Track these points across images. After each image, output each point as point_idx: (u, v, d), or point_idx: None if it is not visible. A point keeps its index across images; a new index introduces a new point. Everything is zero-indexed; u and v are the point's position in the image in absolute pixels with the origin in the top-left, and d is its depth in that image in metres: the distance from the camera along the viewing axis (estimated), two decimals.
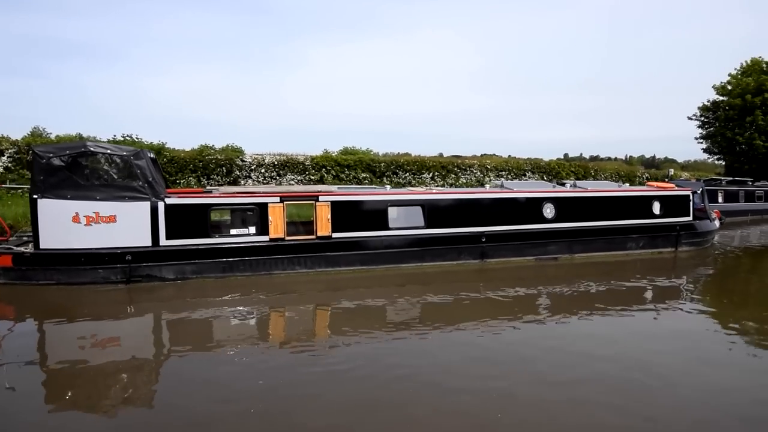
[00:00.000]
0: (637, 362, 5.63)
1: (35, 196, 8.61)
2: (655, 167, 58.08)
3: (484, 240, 11.27)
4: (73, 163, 8.92)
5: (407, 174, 24.03)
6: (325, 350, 5.99)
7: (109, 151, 9.13)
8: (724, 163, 41.22)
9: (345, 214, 10.28)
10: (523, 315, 7.54)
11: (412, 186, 22.33)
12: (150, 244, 9.11)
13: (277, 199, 9.90)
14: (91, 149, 8.95)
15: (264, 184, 20.93)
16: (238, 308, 7.83)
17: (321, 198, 10.19)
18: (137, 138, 20.59)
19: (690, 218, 13.66)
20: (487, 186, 13.35)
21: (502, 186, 12.77)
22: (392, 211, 10.69)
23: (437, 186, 22.83)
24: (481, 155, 35.20)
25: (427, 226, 10.86)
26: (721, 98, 38.62)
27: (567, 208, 12.13)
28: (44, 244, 8.71)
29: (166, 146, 20.05)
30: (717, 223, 14.83)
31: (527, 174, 26.89)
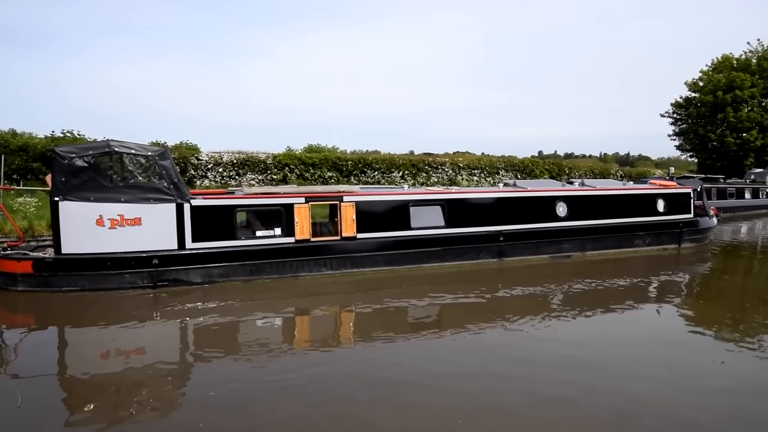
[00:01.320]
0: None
1: (56, 199, 8.67)
2: (629, 165, 60.37)
3: (502, 239, 11.88)
4: (96, 164, 9.03)
5: (376, 173, 24.18)
6: (358, 358, 6.09)
7: (133, 150, 9.21)
8: (696, 161, 43.17)
9: (369, 214, 10.71)
10: (556, 317, 7.81)
11: (380, 185, 22.50)
12: (176, 247, 9.29)
13: (303, 200, 10.23)
14: (115, 149, 9.03)
15: (222, 184, 20.68)
16: (268, 313, 8.07)
17: (345, 198, 10.57)
18: (79, 134, 20.07)
19: (691, 215, 14.66)
20: (500, 185, 13.98)
21: (514, 185, 13.50)
22: (414, 211, 11.14)
23: (408, 185, 23.07)
24: (454, 153, 35.77)
25: (448, 225, 11.40)
26: (693, 95, 40.46)
27: (578, 206, 12.89)
28: (66, 248, 8.77)
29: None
30: (715, 220, 15.80)
31: (500, 172, 27.42)
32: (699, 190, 15.87)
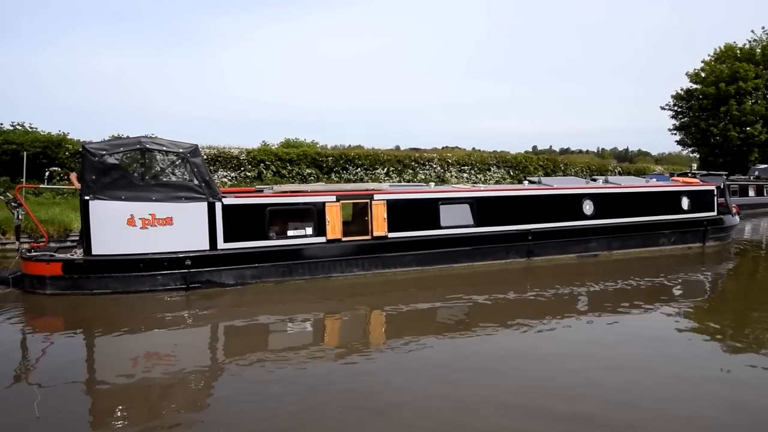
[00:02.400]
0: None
1: (86, 198, 8.84)
2: (628, 161, 60.81)
3: (530, 238, 12.27)
4: (127, 161, 9.21)
5: (359, 169, 23.88)
6: (394, 365, 6.19)
7: (165, 147, 9.39)
8: (698, 156, 43.39)
9: (400, 213, 11.04)
10: (593, 322, 7.96)
11: (364, 182, 22.21)
12: (208, 247, 9.51)
13: (334, 198, 10.49)
14: (147, 146, 9.20)
15: None
16: (304, 316, 8.29)
17: (376, 197, 10.87)
18: (31, 127, 19.55)
19: (715, 213, 15.18)
20: (525, 182, 14.31)
21: (539, 182, 13.91)
22: (443, 210, 11.47)
23: (391, 182, 22.79)
24: (443, 148, 35.61)
25: (477, 224, 11.77)
26: (695, 86, 40.66)
27: (604, 204, 13.32)
28: (97, 249, 8.93)
29: (69, 137, 19.00)
30: (737, 218, 16.35)
31: (492, 169, 27.29)
32: (722, 187, 16.23)
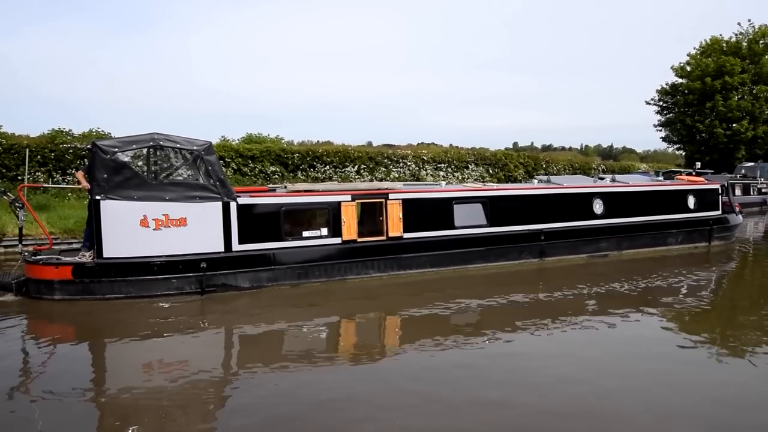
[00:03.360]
0: None
1: (98, 197, 8.84)
2: (612, 158, 61.62)
3: (542, 238, 12.59)
4: (140, 159, 9.31)
5: (327, 167, 23.49)
6: (414, 374, 6.27)
7: (178, 144, 9.44)
8: (684, 154, 44.09)
9: (415, 212, 11.25)
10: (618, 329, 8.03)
11: (332, 181, 21.89)
12: (223, 249, 9.57)
13: (349, 198, 10.66)
14: (161, 142, 9.25)
15: None
16: (325, 320, 8.51)
17: (391, 196, 11.06)
18: None
19: (720, 212, 15.76)
20: (535, 181, 14.65)
21: (548, 180, 14.30)
22: (457, 209, 11.73)
23: (362, 181, 22.54)
24: (418, 144, 35.46)
25: (491, 224, 12.06)
26: (681, 81, 41.27)
27: (614, 203, 13.75)
28: (109, 252, 8.93)
29: (2, 130, 18.17)
30: (740, 217, 16.94)
31: (470, 166, 27.22)
32: (725, 185, 16.69)
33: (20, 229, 9.83)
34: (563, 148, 74.46)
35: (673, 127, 42.79)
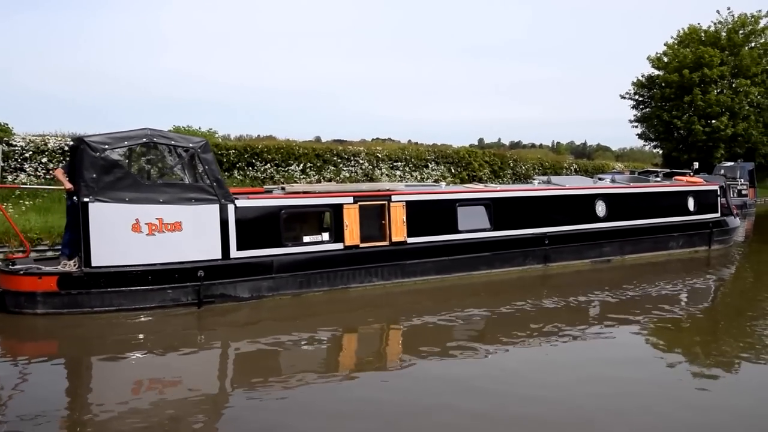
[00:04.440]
0: None
1: (86, 199, 8.60)
2: (586, 156, 61.76)
3: (547, 242, 12.74)
4: (132, 158, 9.20)
5: (268, 165, 22.27)
6: (425, 389, 6.43)
7: (173, 141, 9.32)
8: (661, 152, 44.20)
9: (418, 216, 11.27)
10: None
11: (275, 182, 20.79)
12: (220, 256, 9.41)
13: (351, 200, 10.61)
14: (155, 139, 9.16)
15: (48, 179, 18.02)
16: (327, 335, 8.60)
17: (394, 198, 11.04)
18: None
19: (719, 215, 16.14)
20: (536, 182, 14.72)
21: (548, 181, 14.42)
22: (461, 212, 11.79)
23: (308, 181, 21.48)
24: (372, 140, 34.41)
25: (495, 227, 12.16)
26: (657, 73, 41.29)
27: (615, 205, 14.01)
28: (98, 260, 8.68)
29: None
30: (738, 219, 17.30)
31: (430, 165, 26.39)
32: (723, 186, 17.07)
33: None
34: (533, 146, 74.63)
35: (650, 123, 42.96)
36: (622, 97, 44.98)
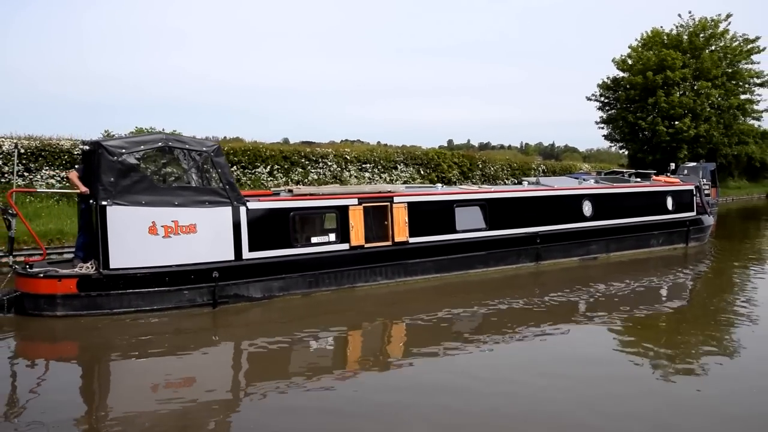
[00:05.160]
0: None
1: (104, 203, 8.80)
2: (554, 158, 62.63)
3: (538, 241, 13.40)
4: (148, 161, 9.47)
5: (234, 167, 21.99)
6: (435, 387, 6.65)
7: (188, 145, 9.59)
8: (627, 153, 45.00)
9: (419, 216, 11.72)
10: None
11: (242, 185, 20.55)
12: (233, 257, 9.68)
13: (356, 201, 11.01)
14: (170, 143, 9.41)
15: (6, 183, 17.50)
16: (339, 333, 8.92)
17: (396, 199, 11.46)
18: None
19: (695, 213, 16.95)
20: (525, 183, 15.39)
21: (538, 183, 15.25)
22: (458, 212, 12.30)
23: (275, 184, 21.34)
24: (341, 142, 34.34)
25: (490, 227, 12.73)
26: (622, 74, 42.03)
27: (601, 205, 14.70)
28: (116, 262, 8.89)
29: None
30: (712, 218, 18.04)
31: (399, 167, 26.44)
32: (699, 186, 17.73)
33: (12, 239, 9.56)
34: (502, 147, 75.52)
35: (615, 124, 43.70)
36: (589, 98, 45.68)
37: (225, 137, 30.40)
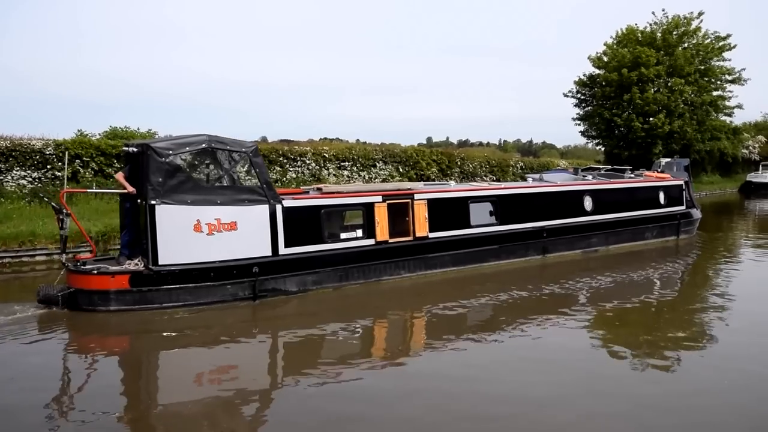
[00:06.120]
0: None
1: (153, 202, 9.20)
2: (532, 154, 63.05)
3: (545, 235, 14.13)
4: (192, 162, 9.94)
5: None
6: (465, 376, 7.03)
7: (228, 146, 9.99)
8: (603, 149, 45.47)
9: (438, 212, 12.36)
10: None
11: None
12: (270, 253, 10.13)
13: (380, 199, 11.55)
14: (213, 145, 9.79)
15: None
16: (371, 323, 9.52)
17: (416, 196, 12.06)
18: None
19: (684, 207, 17.86)
20: (530, 180, 16.23)
21: (541, 179, 16.03)
22: (473, 208, 12.95)
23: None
24: (320, 140, 34.22)
25: (501, 222, 13.44)
26: (598, 71, 42.48)
27: (600, 200, 15.49)
28: (164, 258, 9.29)
29: None
30: (699, 211, 18.92)
31: (378, 164, 26.40)
32: (688, 181, 18.64)
33: (65, 238, 10.00)
34: (481, 144, 75.92)
35: (592, 120, 44.17)
36: (566, 95, 46.13)
37: None
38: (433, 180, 26.06)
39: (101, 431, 5.67)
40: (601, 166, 29.48)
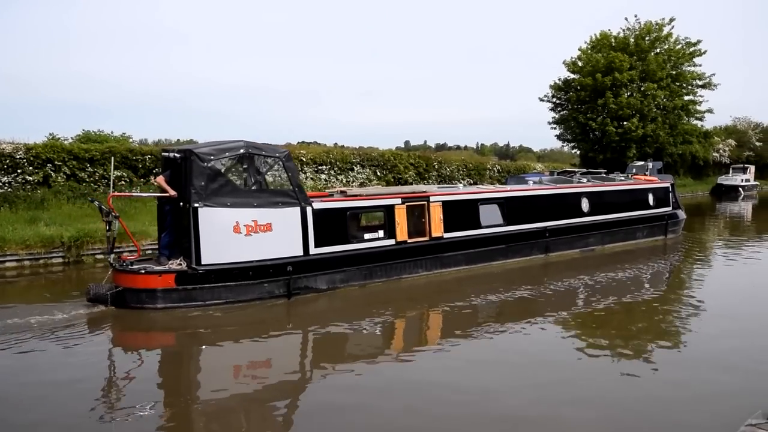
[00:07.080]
0: None
1: (196, 205, 9.71)
2: (509, 158, 63.49)
3: (547, 235, 14.92)
4: (231, 167, 10.52)
5: None
6: (485, 369, 7.53)
7: (264, 152, 10.67)
8: (578, 153, 45.99)
9: (451, 214, 13.00)
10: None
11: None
12: (302, 253, 10.70)
13: (399, 201, 12.20)
14: (250, 150, 10.41)
15: None
16: (399, 319, 10.15)
17: (432, 198, 12.72)
18: None
19: (671, 208, 18.86)
20: (530, 182, 17.01)
21: (540, 182, 16.91)
22: (482, 210, 13.66)
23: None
24: (298, 144, 34.06)
25: (507, 223, 14.18)
26: (573, 76, 42.99)
27: (596, 201, 16.38)
28: (207, 258, 9.81)
29: None
30: (684, 213, 19.98)
31: (355, 168, 26.35)
32: (674, 183, 19.56)
33: (113, 239, 10.43)
34: (458, 147, 76.34)
35: (567, 124, 44.67)
36: (541, 99, 46.61)
37: (178, 140, 29.72)
38: (411, 183, 26.13)
39: (145, 424, 5.96)
40: (576, 170, 29.86)
